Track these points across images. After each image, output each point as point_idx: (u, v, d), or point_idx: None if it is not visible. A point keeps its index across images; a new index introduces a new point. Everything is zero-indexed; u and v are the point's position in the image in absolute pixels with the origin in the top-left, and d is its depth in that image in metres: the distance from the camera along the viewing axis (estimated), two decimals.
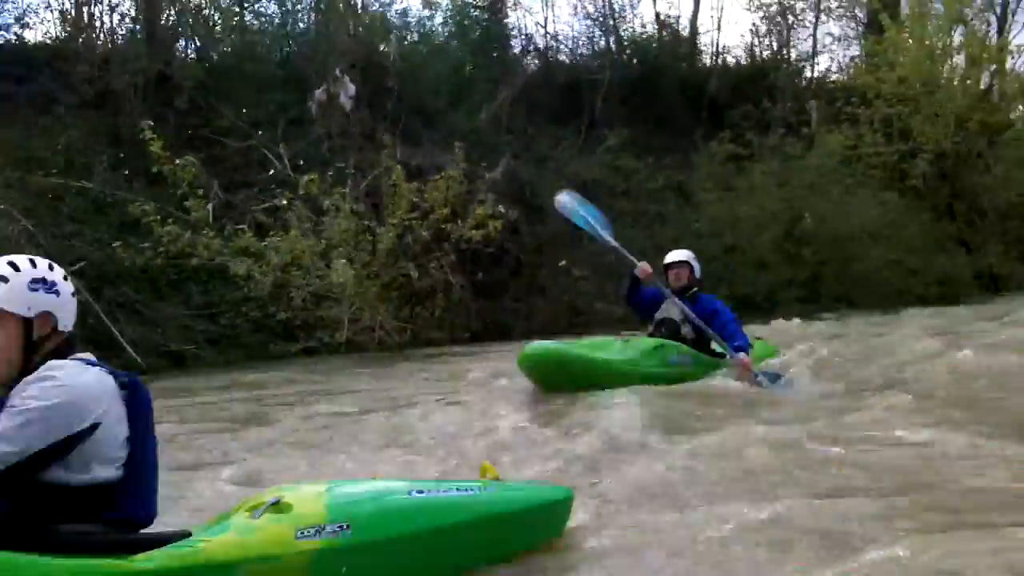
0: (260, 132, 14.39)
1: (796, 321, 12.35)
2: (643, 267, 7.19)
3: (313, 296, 11.91)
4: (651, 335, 7.36)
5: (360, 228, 12.09)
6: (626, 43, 22.77)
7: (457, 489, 3.18)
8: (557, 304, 14.89)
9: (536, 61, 22.08)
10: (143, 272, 11.95)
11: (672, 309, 7.25)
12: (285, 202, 12.11)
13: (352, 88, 14.29)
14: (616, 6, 23.06)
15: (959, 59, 20.09)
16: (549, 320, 13.97)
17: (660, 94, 20.92)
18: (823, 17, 24.45)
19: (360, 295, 11.70)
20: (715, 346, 7.31)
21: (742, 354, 6.96)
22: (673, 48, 23.16)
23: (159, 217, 11.56)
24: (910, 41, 19.00)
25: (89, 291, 11.17)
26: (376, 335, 11.90)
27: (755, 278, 15.80)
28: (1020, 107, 20.47)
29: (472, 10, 20.66)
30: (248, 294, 11.94)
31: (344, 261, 11.43)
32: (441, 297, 12.83)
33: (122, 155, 13.43)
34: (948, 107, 18.79)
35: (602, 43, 22.80)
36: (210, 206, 12.00)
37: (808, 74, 24.21)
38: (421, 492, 3.03)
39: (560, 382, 6.57)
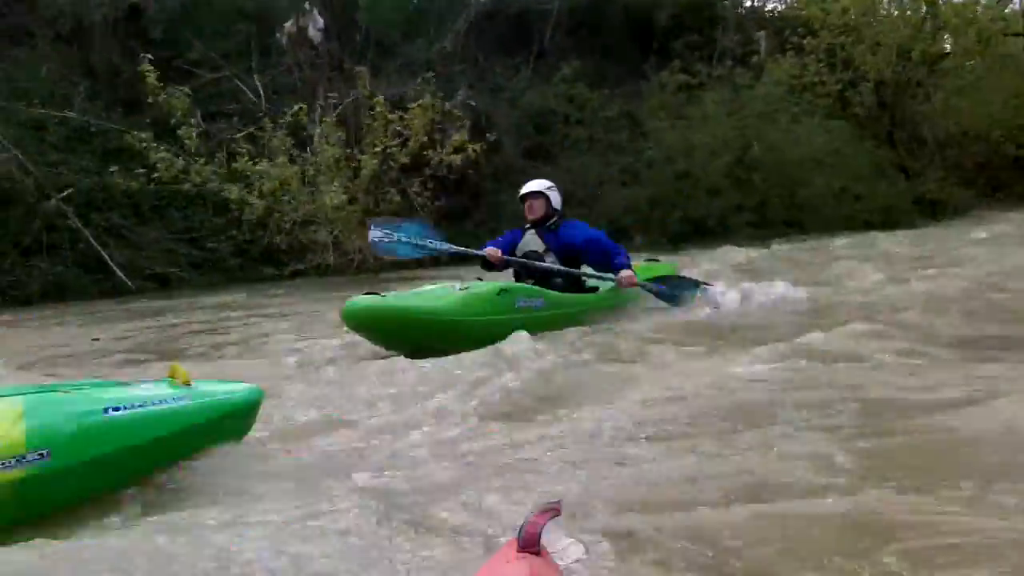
0: (230, 64, 14.86)
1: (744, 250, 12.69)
2: (490, 252, 6.78)
3: (299, 222, 12.53)
4: (517, 279, 6.88)
5: (344, 155, 12.67)
6: None
7: (151, 403, 3.15)
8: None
9: None
10: (128, 198, 12.47)
11: (533, 240, 6.88)
12: (267, 131, 12.65)
13: (320, 21, 14.71)
14: None
15: None
16: None
17: (608, 25, 21.33)
18: None
19: (342, 220, 12.31)
20: (594, 282, 6.96)
21: (625, 271, 6.68)
22: None
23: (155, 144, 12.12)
24: None
25: (78, 217, 11.69)
26: (355, 259, 12.54)
27: (708, 203, 16.44)
28: (948, 37, 21.15)
29: None
30: (230, 219, 12.54)
31: (336, 185, 12.05)
32: None
33: (98, 87, 13.85)
34: (890, 37, 19.42)
35: None
36: (194, 134, 12.53)
37: (749, 3, 24.87)
38: (117, 410, 3.03)
39: (392, 339, 5.91)
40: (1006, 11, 21.38)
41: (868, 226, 16.26)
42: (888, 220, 16.99)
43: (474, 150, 13.28)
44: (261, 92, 14.11)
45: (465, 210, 15.22)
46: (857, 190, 17.60)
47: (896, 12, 20.19)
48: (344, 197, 12.14)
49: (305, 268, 12.56)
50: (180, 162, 12.09)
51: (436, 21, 18.92)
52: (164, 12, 14.80)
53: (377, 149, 12.76)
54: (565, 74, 18.31)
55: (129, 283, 11.50)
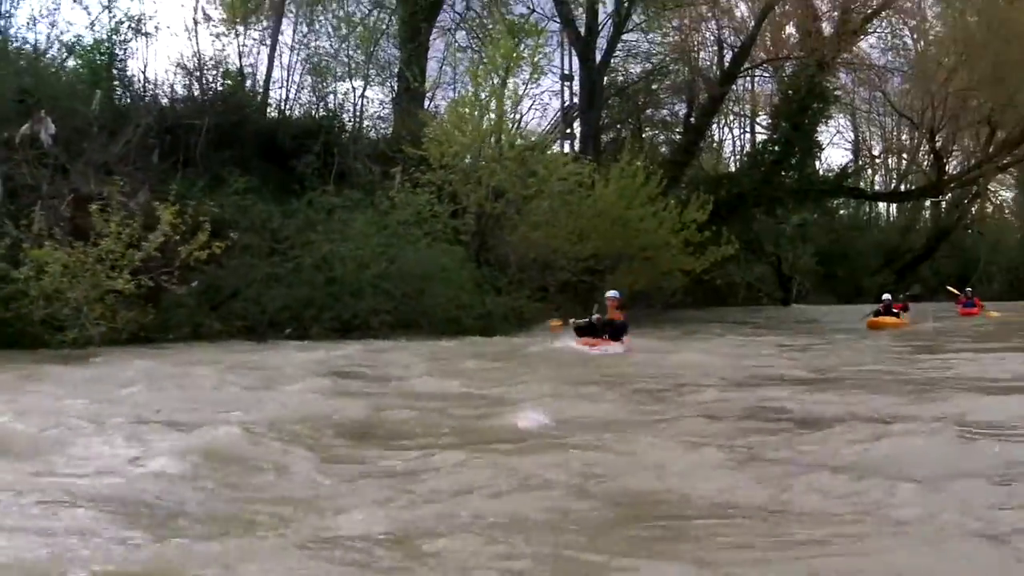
0: None
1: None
2: None
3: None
4: None
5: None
6: (210, 92, 25.71)
7: None
8: None
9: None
10: None
11: None
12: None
13: (52, 127, 16.36)
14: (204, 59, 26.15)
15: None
16: None
17: (242, 141, 24.28)
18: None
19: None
20: None
21: None
22: (248, 101, 26.52)
23: None
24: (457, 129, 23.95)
25: None
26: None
27: (354, 304, 19.57)
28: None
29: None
30: None
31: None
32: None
33: None
34: (490, 178, 23.81)
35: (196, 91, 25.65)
36: None
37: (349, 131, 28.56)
38: None
39: None
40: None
41: (466, 331, 20.06)
42: (487, 328, 20.86)
43: (218, 247, 15.61)
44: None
45: None
46: (463, 300, 21.39)
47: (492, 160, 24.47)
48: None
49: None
50: None
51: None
52: None
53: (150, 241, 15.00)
54: (237, 187, 20.68)
55: None
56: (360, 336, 18.57)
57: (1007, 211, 61.19)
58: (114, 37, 23.57)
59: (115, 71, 23.59)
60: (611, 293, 17.26)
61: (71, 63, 23.44)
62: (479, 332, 20.00)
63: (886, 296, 26.21)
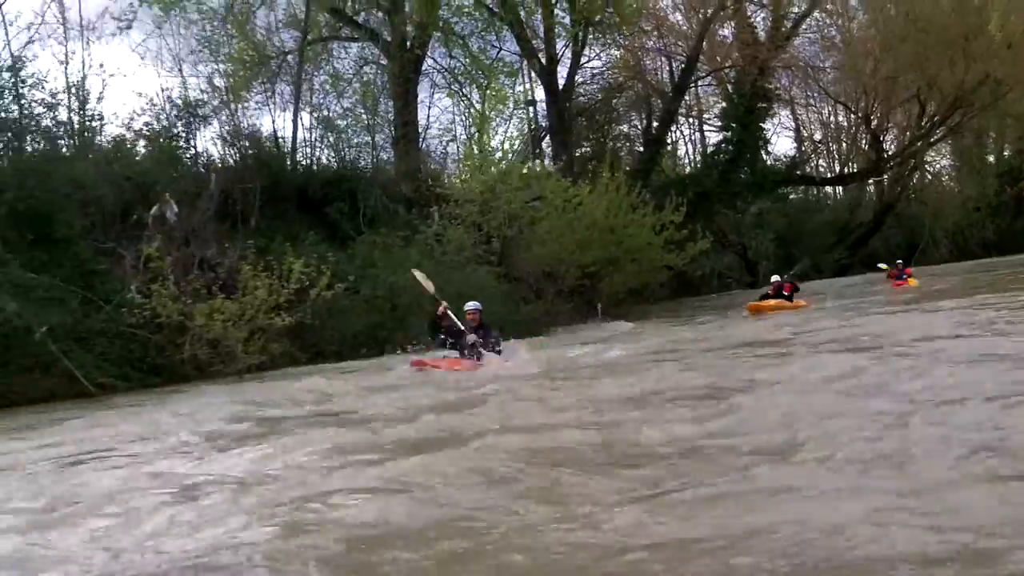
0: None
1: None
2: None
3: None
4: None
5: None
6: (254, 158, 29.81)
7: None
8: None
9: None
10: None
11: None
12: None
13: (175, 207, 20.49)
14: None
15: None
16: None
17: (283, 197, 28.39)
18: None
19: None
20: None
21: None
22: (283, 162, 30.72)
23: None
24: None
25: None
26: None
27: (419, 324, 23.58)
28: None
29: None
30: None
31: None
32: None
33: None
34: (504, 208, 28.13)
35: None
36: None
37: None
38: None
39: None
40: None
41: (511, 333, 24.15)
42: (527, 331, 24.91)
43: (339, 287, 19.76)
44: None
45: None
46: (499, 313, 25.41)
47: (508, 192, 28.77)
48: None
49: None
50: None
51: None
52: None
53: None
54: (310, 239, 24.64)
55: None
56: (427, 349, 22.56)
57: (945, 177, 65.50)
58: (178, 123, 27.73)
59: (180, 151, 27.70)
60: (469, 304, 15.57)
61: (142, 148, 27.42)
62: (524, 334, 23.92)
63: (775, 278, 25.79)
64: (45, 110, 23.31)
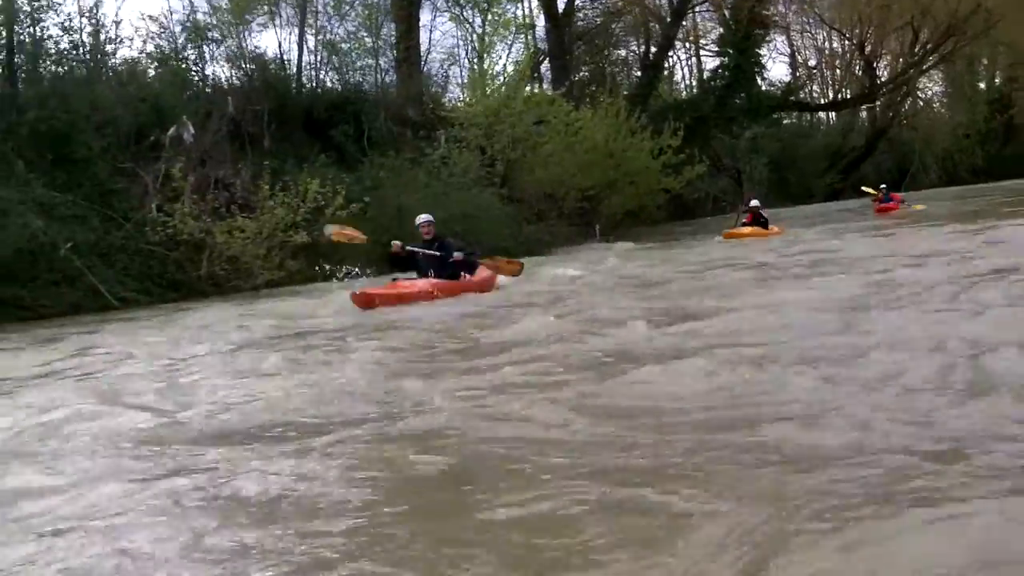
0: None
1: None
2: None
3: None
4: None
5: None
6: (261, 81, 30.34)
7: None
8: None
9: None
10: None
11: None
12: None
13: (192, 128, 21.22)
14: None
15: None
16: None
17: (289, 120, 28.98)
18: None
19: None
20: None
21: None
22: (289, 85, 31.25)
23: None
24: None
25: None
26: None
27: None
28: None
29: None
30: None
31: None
32: None
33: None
34: (508, 132, 28.83)
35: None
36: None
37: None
38: None
39: None
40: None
41: (508, 252, 24.94)
42: (530, 251, 25.64)
43: (355, 207, 20.54)
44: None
45: None
46: (504, 232, 26.19)
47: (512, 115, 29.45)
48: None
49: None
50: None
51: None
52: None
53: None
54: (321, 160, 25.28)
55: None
56: None
57: (936, 104, 66.08)
58: (189, 46, 28.29)
59: (190, 74, 28.25)
60: (421, 218, 14.31)
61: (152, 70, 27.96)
62: (524, 254, 24.76)
63: (754, 202, 25.44)
64: (62, 33, 23.67)
